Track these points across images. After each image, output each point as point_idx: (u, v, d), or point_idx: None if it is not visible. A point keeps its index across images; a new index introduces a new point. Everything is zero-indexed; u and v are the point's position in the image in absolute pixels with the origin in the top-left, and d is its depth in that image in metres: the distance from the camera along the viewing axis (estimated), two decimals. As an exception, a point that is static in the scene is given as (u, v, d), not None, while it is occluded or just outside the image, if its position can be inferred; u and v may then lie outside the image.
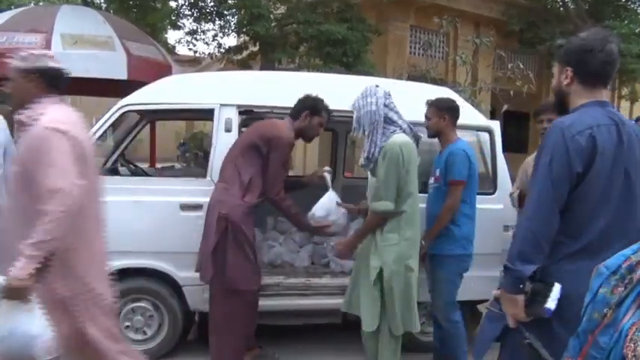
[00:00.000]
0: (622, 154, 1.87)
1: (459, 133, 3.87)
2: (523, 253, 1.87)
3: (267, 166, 3.39)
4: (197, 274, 3.49)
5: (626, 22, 12.46)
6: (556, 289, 1.82)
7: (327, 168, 3.88)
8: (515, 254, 1.87)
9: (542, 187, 1.88)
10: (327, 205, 3.48)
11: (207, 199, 3.54)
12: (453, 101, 3.63)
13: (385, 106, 3.10)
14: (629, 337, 1.15)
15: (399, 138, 3.03)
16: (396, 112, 3.13)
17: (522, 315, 1.86)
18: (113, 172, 4.50)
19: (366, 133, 3.11)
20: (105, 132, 3.72)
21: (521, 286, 1.86)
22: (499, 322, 2.00)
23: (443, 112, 3.52)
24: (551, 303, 1.80)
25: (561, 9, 13.09)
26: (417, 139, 3.17)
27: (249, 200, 3.35)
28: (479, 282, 3.58)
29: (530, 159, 3.70)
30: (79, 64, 5.60)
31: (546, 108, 3.34)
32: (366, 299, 3.10)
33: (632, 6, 13.78)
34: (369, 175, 3.28)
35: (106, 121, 3.67)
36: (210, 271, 3.29)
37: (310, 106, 3.57)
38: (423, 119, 3.59)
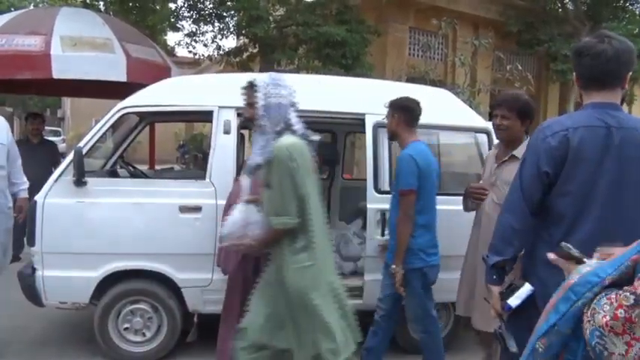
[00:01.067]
0: (609, 156, 1.86)
1: (457, 135, 3.91)
2: (494, 246, 2.05)
3: None
4: (196, 276, 3.50)
5: (624, 22, 12.48)
6: (524, 289, 1.92)
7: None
8: (489, 246, 2.07)
9: (515, 185, 2.01)
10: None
11: (207, 201, 3.56)
12: (408, 100, 3.32)
13: (292, 105, 2.66)
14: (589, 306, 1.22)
15: (286, 140, 2.55)
16: (296, 115, 2.69)
17: (497, 306, 2.00)
18: (112, 174, 4.51)
19: (269, 128, 2.58)
20: (104, 134, 3.73)
21: (494, 277, 2.02)
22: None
23: (393, 111, 3.31)
24: (514, 300, 1.92)
25: (560, 10, 13.10)
26: (309, 141, 2.67)
27: None
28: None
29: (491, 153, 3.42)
30: (79, 66, 5.62)
31: (500, 103, 3.09)
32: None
33: (631, 7, 13.80)
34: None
35: (105, 123, 3.68)
36: (235, 263, 3.28)
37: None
38: (422, 121, 3.60)
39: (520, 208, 1.97)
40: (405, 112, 3.30)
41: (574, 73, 2.01)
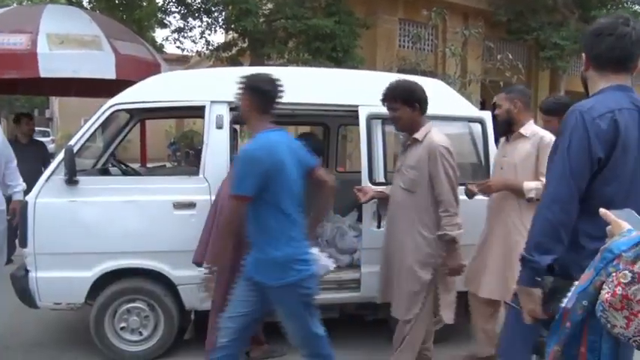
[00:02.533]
0: None
1: (451, 125, 3.88)
2: (540, 244, 1.78)
3: None
4: (192, 273, 3.47)
5: (612, 10, 12.52)
6: (574, 287, 1.70)
7: None
8: (532, 245, 1.79)
9: (560, 174, 1.78)
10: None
11: (201, 197, 3.52)
12: (262, 79, 2.78)
13: None
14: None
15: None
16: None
17: (539, 312, 1.77)
18: (104, 172, 4.47)
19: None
20: (94, 132, 3.68)
21: (538, 278, 1.77)
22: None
23: (244, 91, 2.77)
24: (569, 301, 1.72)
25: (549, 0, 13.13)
26: None
27: None
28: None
29: None
30: (67, 64, 5.54)
31: (383, 98, 3.22)
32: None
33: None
34: None
35: (95, 122, 3.64)
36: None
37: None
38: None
39: (571, 198, 1.76)
40: (256, 94, 2.73)
41: (584, 54, 1.92)
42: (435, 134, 3.14)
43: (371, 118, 3.85)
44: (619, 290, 1.17)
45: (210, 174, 3.62)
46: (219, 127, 3.69)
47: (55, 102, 28.51)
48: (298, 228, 2.72)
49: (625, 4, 13.68)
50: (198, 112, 3.81)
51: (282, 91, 2.77)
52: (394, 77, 3.68)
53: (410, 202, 3.17)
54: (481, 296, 3.42)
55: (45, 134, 25.52)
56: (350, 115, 4.02)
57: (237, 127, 6.15)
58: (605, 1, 13.39)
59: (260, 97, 2.72)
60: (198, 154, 3.93)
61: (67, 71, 5.59)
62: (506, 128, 3.39)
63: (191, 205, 3.58)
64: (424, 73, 7.45)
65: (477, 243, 3.52)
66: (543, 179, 3.03)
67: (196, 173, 3.70)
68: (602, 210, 1.43)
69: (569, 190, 1.76)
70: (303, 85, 3.71)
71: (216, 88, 3.79)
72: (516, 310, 1.96)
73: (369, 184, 3.75)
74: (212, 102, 3.70)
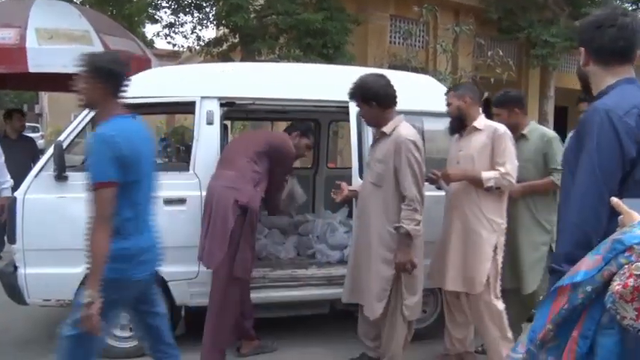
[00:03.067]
0: None
1: (441, 121, 3.89)
2: (571, 254, 1.61)
3: (273, 174, 3.62)
4: (182, 269, 3.47)
5: (602, 7, 12.59)
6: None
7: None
8: (562, 255, 1.66)
9: (589, 177, 1.65)
10: None
11: (191, 193, 3.52)
12: (108, 59, 2.53)
13: None
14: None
15: None
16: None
17: None
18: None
19: None
20: (84, 128, 3.66)
21: None
22: None
23: (88, 73, 2.50)
24: None
25: (539, -3, 13.19)
26: None
27: (261, 193, 3.50)
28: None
29: None
30: (56, 59, 5.49)
31: (350, 98, 3.41)
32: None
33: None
34: None
35: (85, 117, 3.61)
36: (219, 259, 3.28)
37: (302, 128, 3.97)
38: (406, 107, 3.59)
39: (601, 203, 1.60)
40: (107, 76, 2.46)
41: (583, 49, 1.83)
42: (404, 128, 3.19)
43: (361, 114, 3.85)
44: (631, 282, 1.17)
45: (200, 170, 3.62)
46: (210, 122, 3.68)
47: (45, 97, 28.29)
48: (148, 220, 2.60)
49: (615, 1, 13.76)
50: (188, 107, 3.80)
51: (129, 71, 2.54)
52: (386, 73, 3.69)
53: (377, 197, 3.21)
54: (446, 289, 3.46)
55: (34, 130, 25.28)
56: (341, 111, 4.03)
57: (228, 123, 6.14)
58: (595, -1, 13.48)
59: (112, 79, 2.45)
60: (188, 149, 3.92)
61: (56, 66, 5.54)
62: (459, 124, 3.44)
63: (181, 201, 3.57)
64: (415, 70, 7.48)
65: (438, 239, 3.55)
66: (501, 169, 3.22)
67: (187, 169, 3.69)
68: (613, 199, 1.37)
69: (600, 194, 1.62)
70: (294, 81, 3.72)
71: (207, 83, 3.78)
72: None
73: (360, 180, 3.76)
74: (202, 98, 3.70)
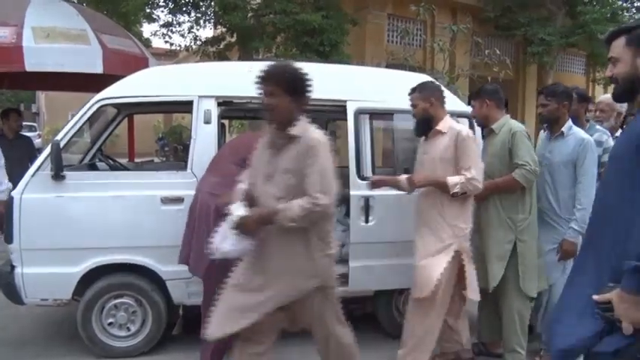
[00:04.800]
0: None
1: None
2: None
3: None
4: (180, 268, 3.46)
5: (597, 6, 12.62)
6: None
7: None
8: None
9: None
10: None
11: (189, 192, 3.51)
12: None
13: None
14: None
15: None
16: None
17: None
18: (91, 167, 4.44)
19: None
20: (81, 127, 3.66)
21: None
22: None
23: None
24: None
25: (536, -5, 13.21)
26: None
27: None
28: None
29: None
30: (53, 58, 5.48)
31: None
32: None
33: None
34: None
35: (82, 117, 3.61)
36: (206, 265, 3.25)
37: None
38: (402, 105, 3.60)
39: None
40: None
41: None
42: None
43: (359, 113, 3.86)
44: None
45: (198, 169, 3.61)
46: (207, 122, 3.68)
47: (42, 96, 28.20)
48: None
49: (612, 2, 13.78)
50: (186, 107, 3.80)
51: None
52: (383, 72, 3.71)
53: None
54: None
55: (31, 129, 25.23)
56: (338, 110, 4.03)
57: (226, 122, 6.13)
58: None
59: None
60: (186, 149, 3.91)
61: (53, 65, 5.53)
62: (426, 126, 3.38)
63: (179, 200, 3.57)
64: (412, 68, 7.48)
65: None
66: (466, 173, 3.15)
67: (184, 168, 3.69)
68: None
69: None
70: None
71: (204, 83, 3.78)
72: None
73: (358, 180, 3.76)
74: (200, 97, 3.69)
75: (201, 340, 3.37)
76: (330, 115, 5.26)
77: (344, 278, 3.89)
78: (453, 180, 3.15)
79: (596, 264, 1.82)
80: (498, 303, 3.56)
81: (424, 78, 4.46)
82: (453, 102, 4.20)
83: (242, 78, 3.93)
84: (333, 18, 9.40)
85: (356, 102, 3.80)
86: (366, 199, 3.75)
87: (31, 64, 5.41)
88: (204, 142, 3.65)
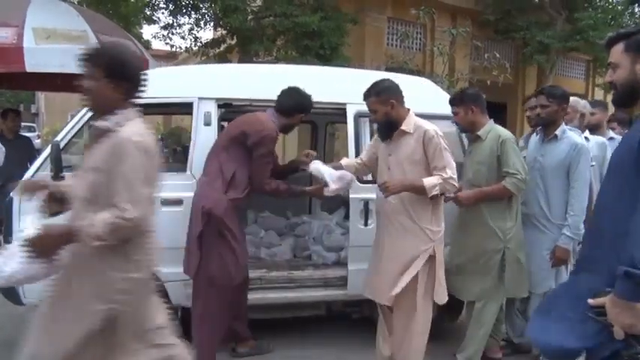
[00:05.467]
0: None
1: (438, 123, 3.89)
2: None
3: (252, 160, 3.41)
4: (179, 270, 3.47)
5: (598, 11, 12.65)
6: None
7: (309, 151, 3.86)
8: (638, 257, 1.59)
9: None
10: (328, 173, 3.36)
11: (188, 194, 3.52)
12: None
13: None
14: None
15: None
16: None
17: (639, 327, 1.64)
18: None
19: None
20: (81, 128, 3.66)
21: None
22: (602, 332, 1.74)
23: None
24: None
25: (536, 0, 13.24)
26: None
27: (234, 195, 3.37)
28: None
29: None
30: (54, 59, 5.48)
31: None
32: None
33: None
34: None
35: (82, 117, 3.61)
36: (195, 265, 3.30)
37: (305, 108, 3.61)
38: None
39: None
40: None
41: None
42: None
43: (359, 116, 3.87)
44: None
45: (197, 171, 3.62)
46: (207, 124, 3.69)
47: (41, 97, 28.19)
48: None
49: (610, 5, 13.82)
50: (186, 108, 3.81)
51: None
52: (382, 75, 3.71)
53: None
54: (377, 302, 3.30)
55: (30, 129, 25.21)
56: (338, 112, 4.04)
57: (226, 124, 6.12)
58: (592, 1, 13.53)
59: None
60: (185, 150, 3.92)
61: (53, 66, 5.52)
62: (390, 130, 3.20)
63: (178, 202, 3.57)
64: (412, 72, 7.49)
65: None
66: (442, 173, 3.02)
67: (184, 170, 3.69)
68: None
69: None
70: (291, 82, 3.71)
71: (205, 84, 3.78)
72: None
73: (357, 183, 3.77)
74: (200, 99, 3.70)
75: (194, 342, 3.38)
76: (330, 118, 5.27)
77: (342, 281, 3.90)
78: (430, 181, 3.01)
79: (594, 268, 1.84)
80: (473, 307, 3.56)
81: (423, 81, 4.48)
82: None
83: (242, 80, 3.95)
84: (332, 19, 9.40)
85: (356, 105, 3.80)
86: (366, 202, 3.76)
87: (32, 65, 5.41)
88: (203, 144, 3.65)
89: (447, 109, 4.11)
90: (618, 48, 1.89)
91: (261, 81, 3.95)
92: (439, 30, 11.47)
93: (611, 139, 4.33)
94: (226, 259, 3.34)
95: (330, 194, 3.37)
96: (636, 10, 13.38)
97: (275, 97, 3.61)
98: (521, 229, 3.49)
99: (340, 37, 9.53)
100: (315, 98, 3.71)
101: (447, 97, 4.35)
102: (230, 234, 3.34)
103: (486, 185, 3.40)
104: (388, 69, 8.78)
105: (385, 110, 3.14)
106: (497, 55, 8.99)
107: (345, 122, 3.90)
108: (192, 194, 3.55)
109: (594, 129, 4.35)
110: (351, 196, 3.79)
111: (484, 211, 3.41)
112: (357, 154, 3.84)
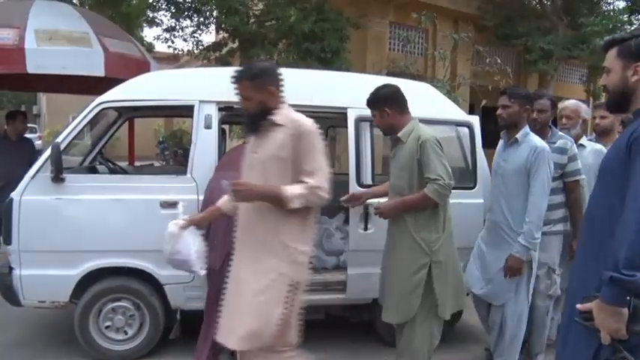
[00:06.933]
0: None
1: (439, 128, 3.90)
2: (632, 260, 1.58)
3: None
4: (178, 272, 3.46)
5: (599, 18, 12.66)
6: None
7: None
8: (623, 261, 1.58)
9: None
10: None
11: (187, 196, 3.52)
12: None
13: None
14: None
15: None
16: None
17: (624, 331, 1.64)
18: (91, 170, 4.44)
19: None
20: (82, 130, 3.66)
21: (627, 297, 1.62)
22: (593, 339, 1.74)
23: None
24: None
25: (537, 5, 13.25)
26: None
27: None
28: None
29: None
30: (55, 60, 5.50)
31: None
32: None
33: (606, 3, 14.02)
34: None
35: (83, 119, 3.62)
36: (222, 257, 3.17)
37: None
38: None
39: None
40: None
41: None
42: None
43: (360, 120, 3.87)
44: None
45: (198, 174, 3.62)
46: (208, 127, 3.69)
47: (43, 98, 28.24)
48: None
49: (612, 13, 13.84)
50: (187, 111, 3.81)
51: None
52: (384, 80, 3.71)
53: None
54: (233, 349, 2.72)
55: (32, 131, 25.25)
56: (339, 116, 4.04)
57: (227, 127, 6.13)
58: (593, 8, 13.55)
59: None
60: (186, 153, 3.92)
61: (55, 67, 5.55)
62: (259, 122, 2.58)
63: (178, 205, 3.56)
64: (413, 76, 7.50)
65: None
66: (309, 180, 2.43)
67: (184, 173, 3.69)
68: None
69: None
70: (292, 86, 3.71)
71: (206, 88, 3.79)
72: (580, 330, 1.80)
73: (357, 187, 3.76)
74: (201, 102, 3.70)
75: (198, 343, 3.37)
76: (331, 122, 5.27)
77: (342, 286, 3.89)
78: (291, 191, 2.41)
79: (584, 273, 1.87)
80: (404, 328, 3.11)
81: (424, 86, 4.48)
82: (452, 110, 4.22)
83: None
84: (331, 21, 9.38)
85: (357, 109, 3.80)
86: (365, 206, 3.75)
87: (33, 67, 5.43)
88: (204, 146, 3.66)
89: (448, 114, 4.13)
90: (612, 52, 1.90)
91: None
92: (441, 35, 11.47)
93: None
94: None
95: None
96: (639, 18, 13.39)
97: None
98: (452, 239, 3.11)
99: (340, 41, 9.53)
100: (316, 102, 3.71)
101: (449, 102, 4.37)
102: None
103: (410, 193, 3.01)
104: (390, 73, 8.79)
105: (261, 98, 2.55)
106: (499, 61, 9.00)
107: (346, 126, 3.90)
108: (192, 197, 3.56)
109: (603, 134, 4.14)
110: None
111: (407, 221, 3.02)
112: (358, 157, 3.84)
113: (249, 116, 2.62)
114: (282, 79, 2.64)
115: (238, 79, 2.59)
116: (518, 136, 3.33)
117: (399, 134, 3.09)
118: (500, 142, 3.56)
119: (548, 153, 3.28)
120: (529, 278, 3.34)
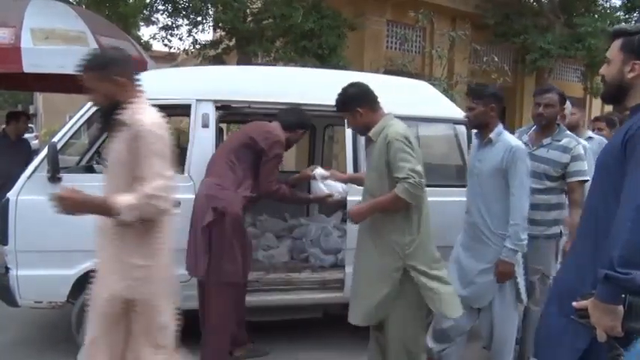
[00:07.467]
0: None
1: (436, 127, 3.90)
2: (627, 258, 1.58)
3: (260, 164, 3.50)
4: (176, 272, 3.46)
5: (596, 16, 12.68)
6: None
7: (314, 166, 3.93)
8: (618, 259, 1.58)
9: None
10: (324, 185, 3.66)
11: (185, 196, 3.51)
12: None
13: None
14: None
15: None
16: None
17: (619, 328, 1.64)
18: (88, 169, 4.43)
19: None
20: (79, 129, 3.65)
21: (622, 295, 1.62)
22: (584, 336, 1.78)
23: None
24: None
25: (534, 3, 13.25)
26: None
27: (245, 193, 3.44)
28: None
29: None
30: (52, 60, 5.47)
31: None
32: None
33: (603, 5, 14.02)
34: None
35: (80, 118, 3.61)
36: (204, 266, 3.27)
37: (306, 125, 3.80)
38: (400, 111, 3.59)
39: None
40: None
41: (635, 58, 1.83)
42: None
43: (357, 118, 3.85)
44: None
45: (195, 173, 3.61)
46: (205, 125, 3.68)
47: (39, 98, 28.14)
48: None
49: (608, 11, 13.86)
50: (184, 110, 3.80)
51: None
52: (382, 78, 3.71)
53: None
54: None
55: (28, 130, 25.15)
56: (336, 115, 4.02)
57: (224, 126, 6.13)
58: (590, 6, 13.56)
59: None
60: (183, 152, 3.91)
61: (51, 67, 5.52)
62: (109, 117, 2.38)
63: (175, 204, 3.55)
64: (411, 75, 7.49)
65: None
66: (143, 188, 2.19)
67: (181, 172, 3.68)
68: None
69: None
70: (290, 84, 3.71)
71: (203, 86, 3.78)
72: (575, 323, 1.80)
73: (354, 186, 3.76)
74: (198, 100, 3.69)
75: (201, 344, 3.37)
76: (329, 121, 5.27)
77: (340, 284, 3.89)
78: (122, 202, 2.17)
79: (579, 270, 1.88)
80: (382, 334, 3.02)
81: (421, 84, 4.48)
82: (450, 109, 4.22)
83: (240, 82, 3.95)
84: (330, 18, 9.37)
85: (354, 108, 3.79)
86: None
87: (29, 66, 5.41)
88: (201, 145, 3.65)
89: (445, 113, 4.12)
90: (617, 44, 1.89)
91: (259, 83, 3.94)
92: (438, 33, 11.47)
93: (589, 138, 4.28)
94: (238, 256, 3.36)
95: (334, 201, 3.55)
96: (635, 16, 13.39)
97: (273, 100, 3.62)
98: (428, 241, 2.94)
99: (338, 38, 9.52)
100: (313, 101, 3.71)
101: (446, 100, 4.37)
102: (243, 231, 3.43)
103: (381, 194, 2.86)
104: (387, 72, 8.79)
105: (112, 91, 2.32)
106: (497, 59, 9.00)
107: (344, 125, 3.89)
108: (190, 196, 3.55)
109: (572, 129, 4.03)
110: (348, 198, 3.78)
111: (379, 223, 2.91)
112: (355, 157, 3.84)
113: (99, 111, 2.43)
114: (133, 69, 2.39)
115: (83, 68, 2.35)
116: (491, 135, 3.21)
117: (369, 133, 2.97)
118: (474, 143, 3.43)
119: (524, 151, 3.18)
120: (514, 279, 3.24)
